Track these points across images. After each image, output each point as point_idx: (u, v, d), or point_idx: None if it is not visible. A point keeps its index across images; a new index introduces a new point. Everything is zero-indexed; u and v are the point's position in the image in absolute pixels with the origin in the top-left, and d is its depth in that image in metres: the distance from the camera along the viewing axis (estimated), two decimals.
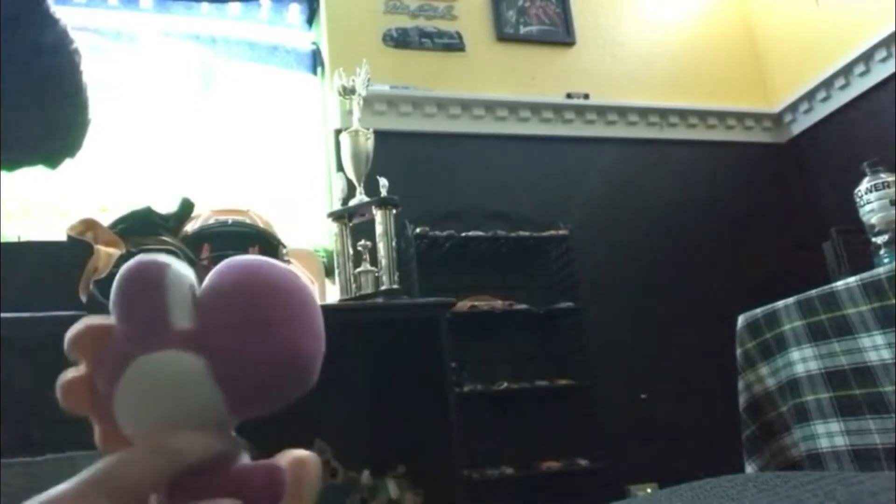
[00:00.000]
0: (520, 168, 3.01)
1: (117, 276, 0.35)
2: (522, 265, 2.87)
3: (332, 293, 2.50)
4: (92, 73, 0.80)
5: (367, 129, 2.17)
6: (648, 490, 2.50)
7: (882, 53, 2.94)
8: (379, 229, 2.02)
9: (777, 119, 3.48)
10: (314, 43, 3.05)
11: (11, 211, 2.34)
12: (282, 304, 0.34)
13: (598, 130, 3.21)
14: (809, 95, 3.28)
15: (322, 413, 2.09)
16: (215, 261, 1.82)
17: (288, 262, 2.01)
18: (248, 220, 1.92)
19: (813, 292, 1.45)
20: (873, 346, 1.31)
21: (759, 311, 1.59)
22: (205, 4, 2.88)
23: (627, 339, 2.89)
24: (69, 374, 0.34)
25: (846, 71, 3.09)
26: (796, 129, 3.43)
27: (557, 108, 3.15)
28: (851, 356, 1.36)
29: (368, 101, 2.51)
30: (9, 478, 1.42)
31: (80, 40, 0.78)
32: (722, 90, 3.46)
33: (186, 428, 0.33)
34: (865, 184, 1.59)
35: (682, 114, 3.35)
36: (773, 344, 1.55)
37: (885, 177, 1.57)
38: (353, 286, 2.07)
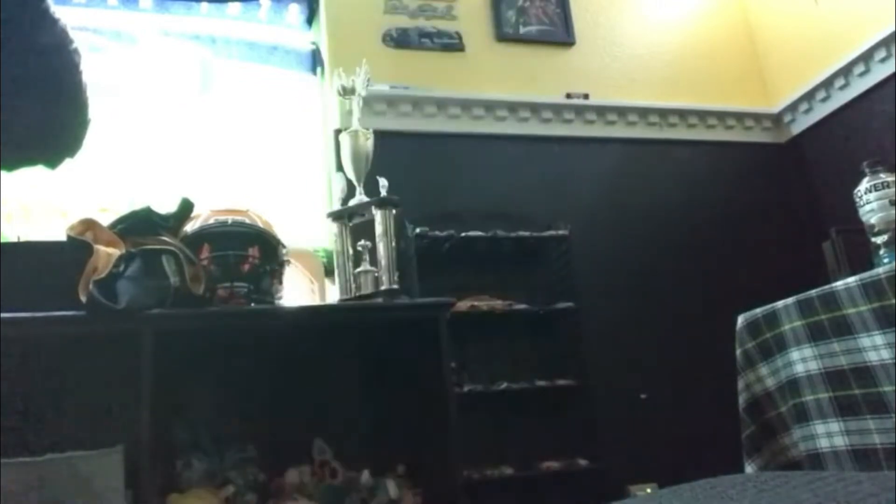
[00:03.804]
0: (520, 168, 3.01)
1: None
2: (522, 265, 2.87)
3: (332, 293, 2.50)
4: (92, 73, 0.80)
5: (367, 129, 2.17)
6: (648, 490, 2.50)
7: (882, 53, 2.94)
8: (379, 229, 2.01)
9: (777, 119, 3.48)
10: (314, 43, 3.05)
11: (11, 211, 2.34)
12: None
13: (598, 130, 3.21)
14: (809, 95, 3.28)
15: (322, 413, 2.10)
16: (215, 261, 1.82)
17: (288, 262, 2.01)
18: (247, 220, 1.92)
19: (813, 292, 1.45)
20: (873, 346, 1.31)
21: (758, 311, 1.59)
22: (204, 4, 2.88)
23: (627, 339, 2.89)
24: None
25: (846, 71, 3.09)
26: (796, 129, 3.43)
27: (557, 109, 3.15)
28: (851, 356, 1.36)
29: (368, 102, 2.51)
30: (9, 478, 1.42)
31: (80, 40, 0.78)
32: (722, 90, 3.46)
33: None
34: (865, 184, 1.59)
35: (682, 114, 3.35)
36: (773, 344, 1.55)
37: (885, 177, 1.57)
38: (353, 286, 2.07)
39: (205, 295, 1.77)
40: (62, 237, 1.70)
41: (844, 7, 3.12)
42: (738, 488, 0.54)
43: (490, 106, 3.05)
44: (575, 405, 2.65)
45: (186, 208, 1.89)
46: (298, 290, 2.46)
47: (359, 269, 2.07)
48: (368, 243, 2.07)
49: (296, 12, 3.05)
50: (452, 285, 2.55)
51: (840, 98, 3.16)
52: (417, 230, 2.61)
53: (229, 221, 1.89)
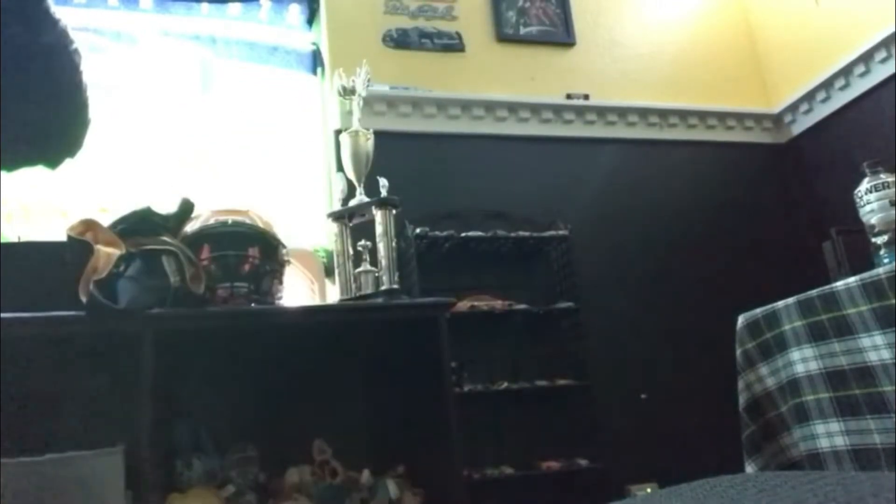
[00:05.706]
0: (520, 168, 3.01)
1: None
2: (522, 265, 2.87)
3: (332, 293, 2.50)
4: (92, 73, 0.80)
5: (367, 130, 2.17)
6: (648, 490, 2.50)
7: (882, 54, 2.94)
8: (379, 229, 2.01)
9: (777, 119, 3.49)
10: (314, 43, 3.05)
11: (11, 211, 2.34)
12: None
13: (598, 131, 3.21)
14: (809, 96, 3.28)
15: (322, 413, 2.10)
16: (215, 261, 1.82)
17: (288, 262, 2.01)
18: (248, 221, 1.91)
19: (813, 292, 1.45)
20: (873, 346, 1.31)
21: (759, 311, 1.59)
22: (205, 4, 2.88)
23: (627, 339, 2.89)
24: None
25: (846, 71, 3.09)
26: (796, 129, 3.43)
27: (557, 109, 3.15)
28: (851, 356, 1.36)
29: (368, 102, 2.51)
30: (9, 478, 1.42)
31: (80, 41, 0.78)
32: (722, 90, 3.46)
33: None
34: (865, 184, 1.59)
35: (682, 114, 3.35)
36: (773, 344, 1.55)
37: (885, 177, 1.57)
38: (353, 286, 2.07)
39: (205, 295, 1.77)
40: (62, 237, 1.70)
41: (844, 7, 3.12)
42: (738, 488, 0.54)
43: (490, 106, 3.05)
44: (575, 405, 2.65)
45: (186, 208, 1.89)
46: (298, 290, 2.46)
47: (359, 269, 2.07)
48: (368, 243, 2.07)
49: (296, 12, 3.05)
50: (452, 285, 2.56)
51: (840, 99, 3.16)
52: (417, 230, 2.61)
53: (229, 222, 1.89)
